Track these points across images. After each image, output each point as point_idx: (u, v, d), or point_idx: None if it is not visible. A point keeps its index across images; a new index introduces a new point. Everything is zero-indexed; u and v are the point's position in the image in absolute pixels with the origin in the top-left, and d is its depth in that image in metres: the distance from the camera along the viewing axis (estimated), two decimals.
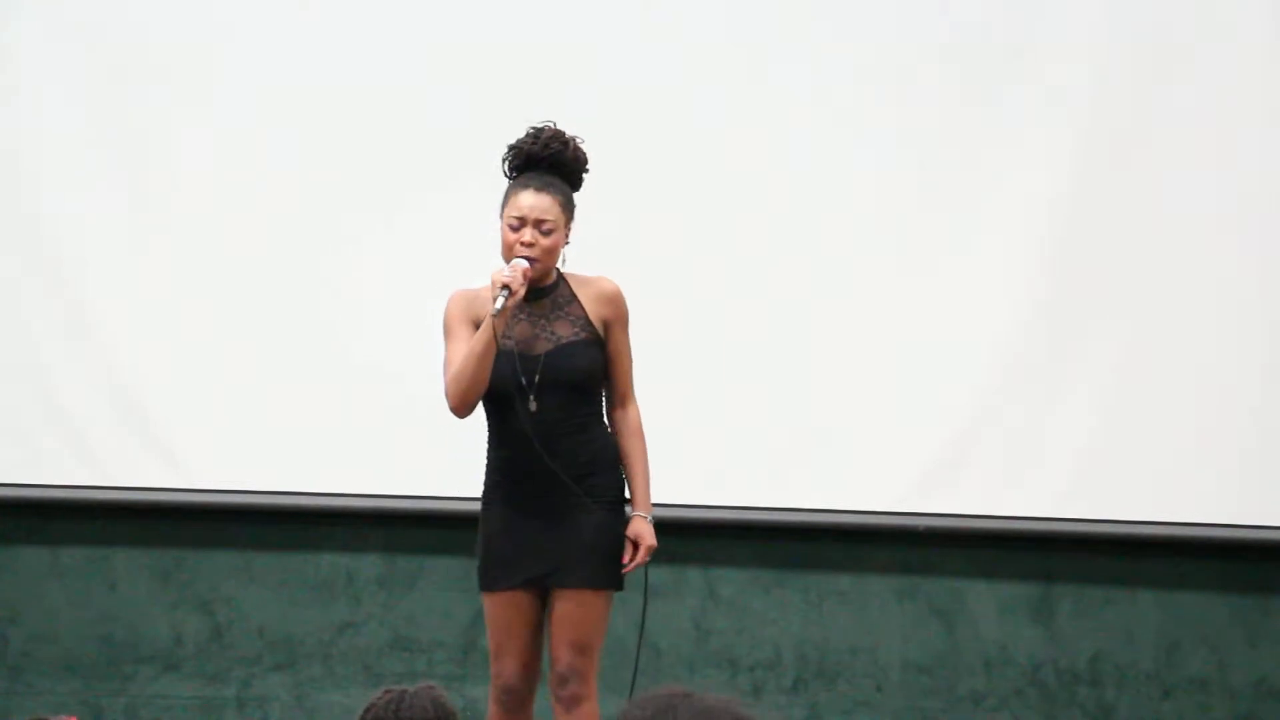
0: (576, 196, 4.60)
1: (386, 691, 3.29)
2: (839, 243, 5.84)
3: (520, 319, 4.52)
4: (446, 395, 4.50)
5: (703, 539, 5.95)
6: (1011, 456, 5.85)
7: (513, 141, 4.59)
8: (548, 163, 4.57)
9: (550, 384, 4.49)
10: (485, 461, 4.59)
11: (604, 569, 4.56)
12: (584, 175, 4.62)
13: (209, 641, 5.97)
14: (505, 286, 4.42)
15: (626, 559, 4.60)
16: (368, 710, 3.22)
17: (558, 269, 4.59)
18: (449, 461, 5.83)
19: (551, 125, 4.59)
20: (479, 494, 5.95)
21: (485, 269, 5.88)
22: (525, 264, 4.47)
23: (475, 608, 5.97)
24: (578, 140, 4.60)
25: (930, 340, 5.84)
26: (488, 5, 5.87)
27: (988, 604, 5.94)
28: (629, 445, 4.60)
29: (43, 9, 5.93)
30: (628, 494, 4.61)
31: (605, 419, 4.60)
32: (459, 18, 5.88)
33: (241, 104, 5.87)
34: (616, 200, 5.88)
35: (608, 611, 4.60)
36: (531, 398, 4.48)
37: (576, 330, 4.55)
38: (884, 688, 5.95)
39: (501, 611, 4.56)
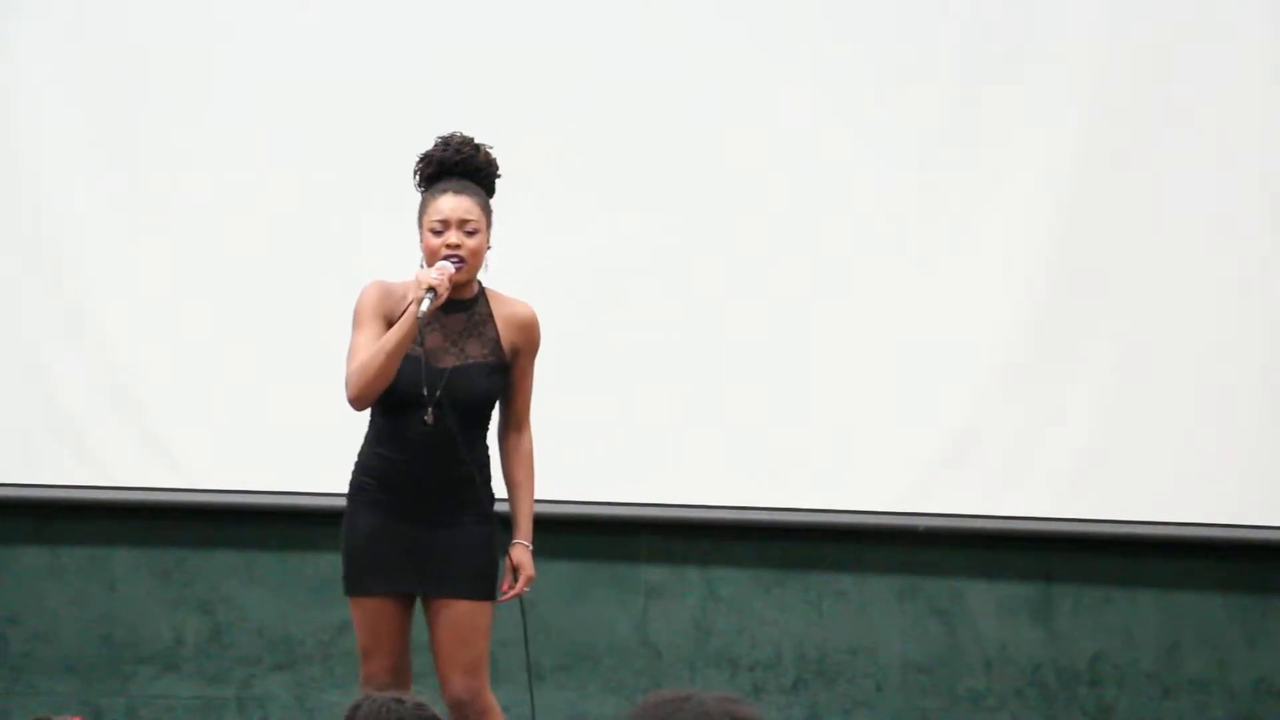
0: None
1: (366, 695, 3.27)
2: (839, 243, 5.84)
3: (434, 328, 4.49)
4: (347, 384, 4.46)
5: (702, 539, 5.95)
6: (1011, 456, 5.85)
7: (422, 152, 4.58)
8: (461, 169, 4.55)
9: (449, 400, 4.45)
10: (357, 457, 4.56)
11: (484, 581, 4.54)
12: (495, 180, 4.60)
13: (209, 641, 5.97)
14: (431, 289, 4.39)
15: (505, 588, 4.58)
16: (355, 708, 3.21)
17: (480, 283, 4.56)
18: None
19: (459, 133, 4.58)
20: None
21: (484, 268, 5.90)
22: (451, 267, 4.44)
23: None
24: (487, 147, 4.59)
25: (930, 340, 5.84)
26: (488, 5, 5.87)
27: (988, 604, 5.94)
28: (520, 473, 4.60)
29: (43, 9, 5.92)
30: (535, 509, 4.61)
31: (486, 439, 4.56)
32: (459, 18, 5.88)
33: (241, 104, 5.87)
34: (616, 200, 5.88)
35: (490, 623, 4.57)
36: (430, 409, 4.45)
37: (486, 353, 4.53)
38: (884, 688, 5.95)
39: (369, 617, 4.54)
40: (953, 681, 5.94)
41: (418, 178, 4.59)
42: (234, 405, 5.84)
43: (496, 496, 4.60)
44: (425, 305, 4.38)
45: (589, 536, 5.96)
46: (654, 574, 5.99)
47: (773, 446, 5.85)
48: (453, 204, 4.50)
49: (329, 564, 5.95)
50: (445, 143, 4.58)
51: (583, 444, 5.87)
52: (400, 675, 4.56)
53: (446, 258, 4.47)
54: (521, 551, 4.58)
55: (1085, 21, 5.80)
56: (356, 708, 3.19)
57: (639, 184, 5.86)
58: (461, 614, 4.51)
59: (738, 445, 5.85)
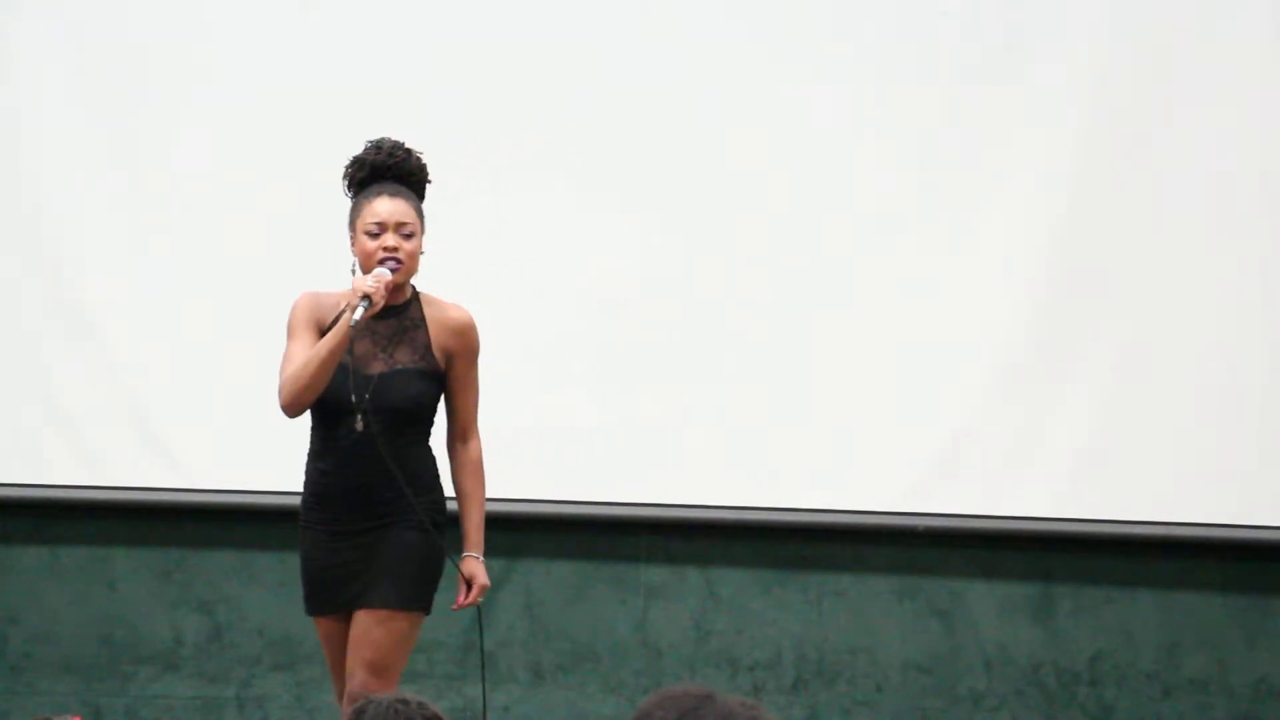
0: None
1: (367, 698, 3.27)
2: (839, 243, 5.84)
3: (364, 335, 4.42)
4: (279, 392, 4.42)
5: (702, 539, 5.95)
6: (1011, 456, 5.85)
7: (353, 155, 4.52)
8: (393, 173, 4.49)
9: (379, 408, 4.39)
10: (304, 475, 4.52)
11: (409, 589, 4.44)
12: (425, 185, 4.53)
13: (209, 641, 5.97)
14: (366, 296, 4.33)
15: (461, 598, 4.52)
16: (360, 712, 3.21)
17: (413, 287, 4.50)
18: (447, 461, 5.83)
19: (389, 138, 4.53)
20: None
21: (484, 269, 5.91)
22: (388, 274, 4.38)
23: (474, 607, 5.97)
24: (419, 152, 4.53)
25: (930, 340, 5.84)
26: (488, 5, 5.87)
27: (988, 604, 5.94)
28: (468, 483, 4.52)
29: (43, 9, 5.92)
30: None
31: (428, 445, 4.49)
32: (459, 18, 5.88)
33: (241, 104, 5.87)
34: (616, 200, 5.88)
35: (412, 634, 4.47)
36: (359, 416, 4.39)
37: (416, 358, 4.45)
38: (884, 688, 5.95)
39: (327, 635, 4.52)
40: (953, 681, 5.94)
41: (347, 181, 4.53)
42: (234, 405, 5.84)
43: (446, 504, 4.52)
44: (359, 313, 4.32)
45: (589, 536, 5.96)
46: (654, 574, 5.99)
47: (773, 447, 5.85)
48: (390, 207, 4.44)
49: None
50: (377, 146, 4.52)
51: (583, 444, 5.87)
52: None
53: (383, 261, 4.40)
54: (473, 563, 4.52)
55: (1085, 21, 5.80)
56: (361, 711, 3.19)
57: (639, 184, 5.86)
58: (377, 619, 4.41)
59: (738, 445, 5.85)
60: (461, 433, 4.53)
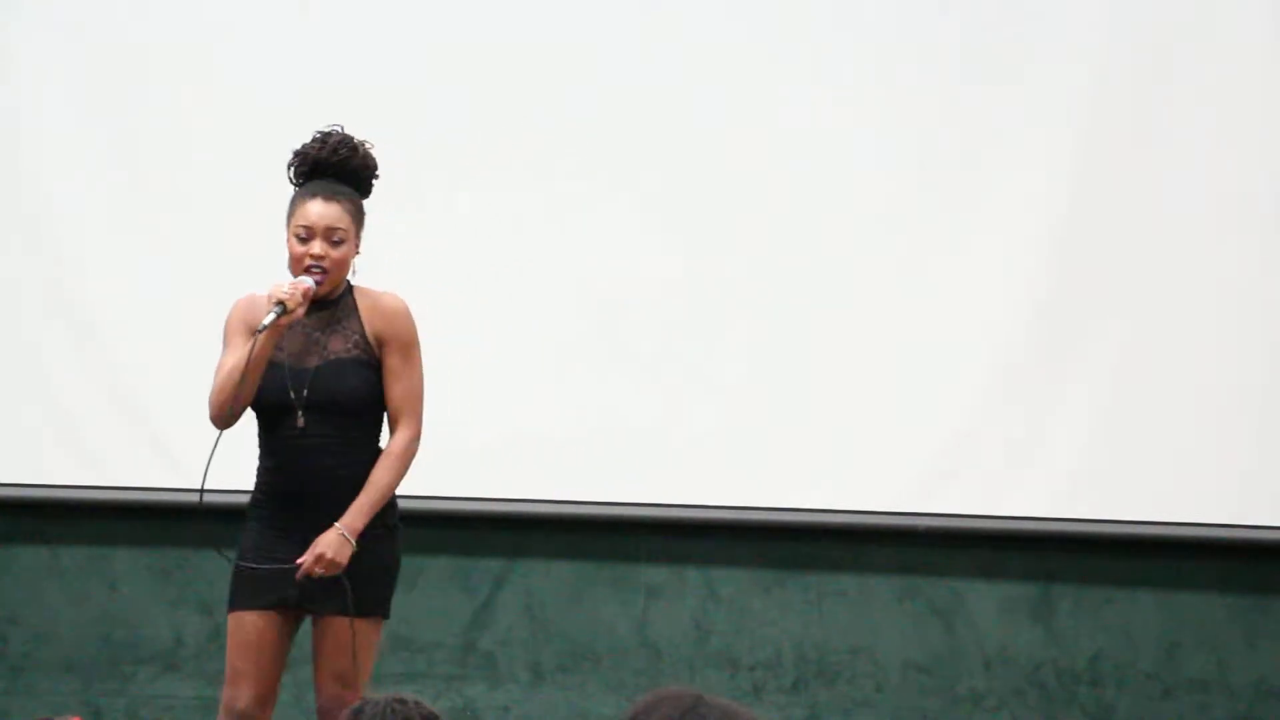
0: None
1: (365, 699, 3.27)
2: (839, 243, 5.84)
3: (295, 331, 4.34)
4: (209, 404, 4.35)
5: (702, 539, 5.95)
6: (1011, 456, 5.85)
7: (298, 147, 4.43)
8: (335, 169, 4.39)
9: (318, 401, 4.32)
10: (255, 471, 4.45)
11: (368, 596, 4.35)
12: (372, 182, 4.44)
13: (209, 642, 5.97)
14: (280, 302, 4.26)
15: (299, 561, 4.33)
16: (358, 713, 3.21)
17: (348, 281, 4.41)
18: (448, 460, 5.84)
19: (339, 129, 4.43)
20: (480, 494, 6.00)
21: (484, 269, 5.91)
22: (309, 283, 4.31)
23: (474, 607, 5.98)
24: (367, 145, 4.43)
25: (930, 340, 5.84)
26: (488, 5, 5.87)
27: (988, 604, 5.94)
28: (376, 468, 4.34)
29: (43, 9, 5.92)
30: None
31: (379, 444, 4.40)
32: (459, 18, 5.88)
33: (241, 103, 5.87)
34: (616, 200, 5.88)
35: (375, 639, 4.40)
36: (299, 413, 4.32)
37: (349, 347, 4.36)
38: (884, 688, 5.95)
39: (245, 633, 4.39)
40: (953, 681, 5.94)
41: (290, 173, 4.44)
42: None
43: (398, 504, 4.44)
44: (269, 319, 4.25)
45: (589, 536, 5.96)
46: (654, 574, 5.99)
47: (773, 447, 5.85)
48: (320, 211, 4.35)
49: None
50: (322, 141, 4.41)
51: (583, 444, 5.87)
52: (264, 706, 4.41)
53: (309, 269, 4.34)
54: (328, 533, 4.30)
55: (1085, 21, 5.80)
56: (359, 712, 3.19)
57: (639, 184, 5.86)
58: (340, 628, 4.35)
59: (738, 445, 5.85)
60: (392, 423, 4.40)
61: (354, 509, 4.33)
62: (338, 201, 4.36)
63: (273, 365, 4.34)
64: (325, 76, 5.86)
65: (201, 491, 4.34)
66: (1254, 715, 5.93)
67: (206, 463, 4.29)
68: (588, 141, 5.86)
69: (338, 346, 4.37)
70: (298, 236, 4.37)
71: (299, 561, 4.33)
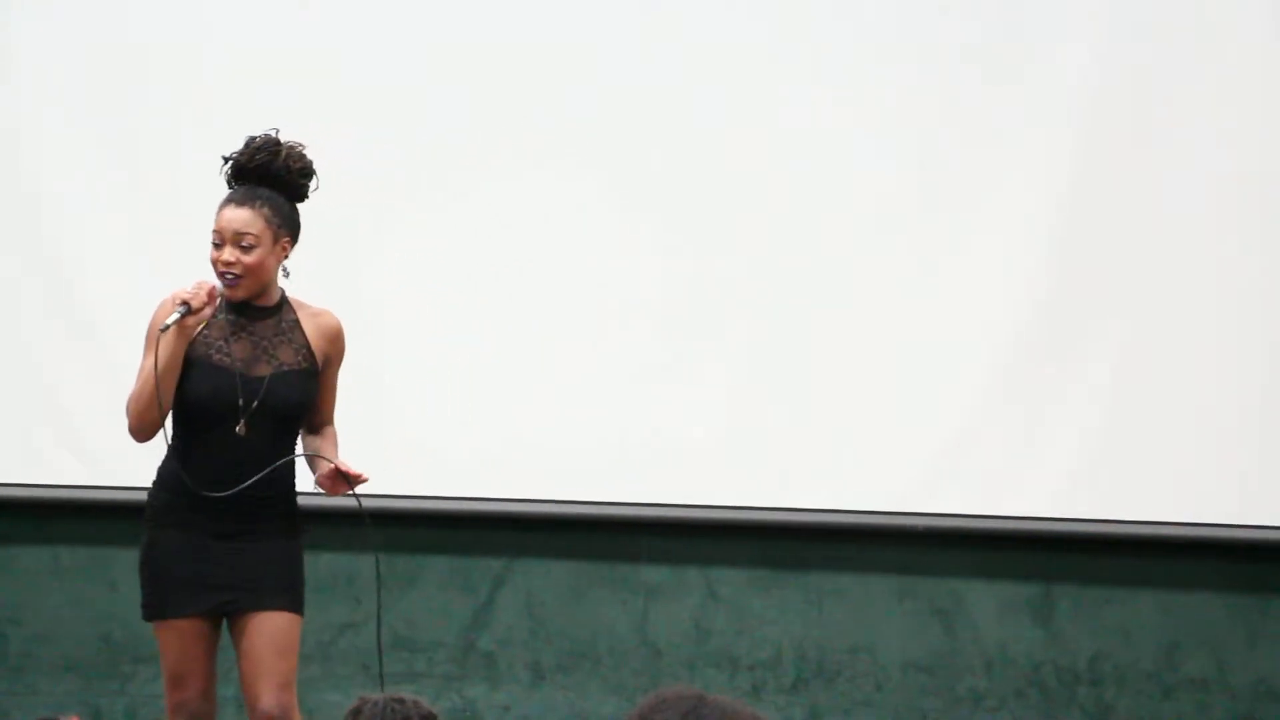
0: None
1: (363, 698, 3.26)
2: (839, 243, 5.84)
3: (241, 337, 4.37)
4: (126, 412, 4.36)
5: (702, 538, 5.95)
6: (1011, 456, 5.84)
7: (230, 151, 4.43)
8: (257, 174, 4.39)
9: (266, 410, 4.35)
10: (156, 475, 4.45)
11: (292, 595, 4.41)
12: (302, 185, 4.41)
13: None
14: (185, 303, 4.27)
15: (347, 471, 4.36)
16: (357, 712, 3.21)
17: (283, 290, 4.44)
18: (448, 461, 5.84)
19: (271, 133, 4.43)
20: (480, 494, 5.99)
21: (484, 269, 5.91)
22: (213, 284, 4.32)
23: (475, 607, 5.98)
24: (298, 148, 4.41)
25: (930, 340, 5.84)
26: (488, 5, 5.87)
27: (988, 604, 5.94)
28: (327, 436, 4.45)
29: (43, 9, 5.92)
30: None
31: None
32: (459, 18, 5.88)
33: (242, 103, 5.86)
34: (615, 200, 5.87)
35: (299, 636, 4.44)
36: (243, 421, 4.33)
37: (299, 359, 4.40)
38: (884, 687, 5.95)
39: (182, 640, 4.41)
40: (953, 681, 5.94)
41: (224, 179, 4.45)
42: None
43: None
44: (172, 319, 4.26)
45: (589, 536, 5.96)
46: (654, 574, 5.99)
47: (773, 446, 5.85)
48: (229, 216, 4.37)
49: (327, 564, 5.95)
50: (247, 143, 4.43)
51: (582, 444, 5.87)
52: (209, 702, 4.46)
53: (221, 274, 4.36)
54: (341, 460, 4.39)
55: (1085, 22, 5.80)
56: (358, 711, 3.19)
57: (639, 184, 5.86)
58: (278, 627, 4.38)
59: (738, 445, 5.85)
60: (319, 425, 4.50)
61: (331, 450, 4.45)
62: (250, 207, 4.37)
63: (220, 370, 4.36)
64: (325, 76, 5.85)
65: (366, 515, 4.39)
66: (1254, 715, 5.93)
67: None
68: (588, 141, 5.86)
69: (287, 357, 4.40)
70: (213, 242, 4.40)
71: (356, 474, 4.36)
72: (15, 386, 5.92)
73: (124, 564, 5.99)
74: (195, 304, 4.28)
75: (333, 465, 4.40)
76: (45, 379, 5.91)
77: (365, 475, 4.39)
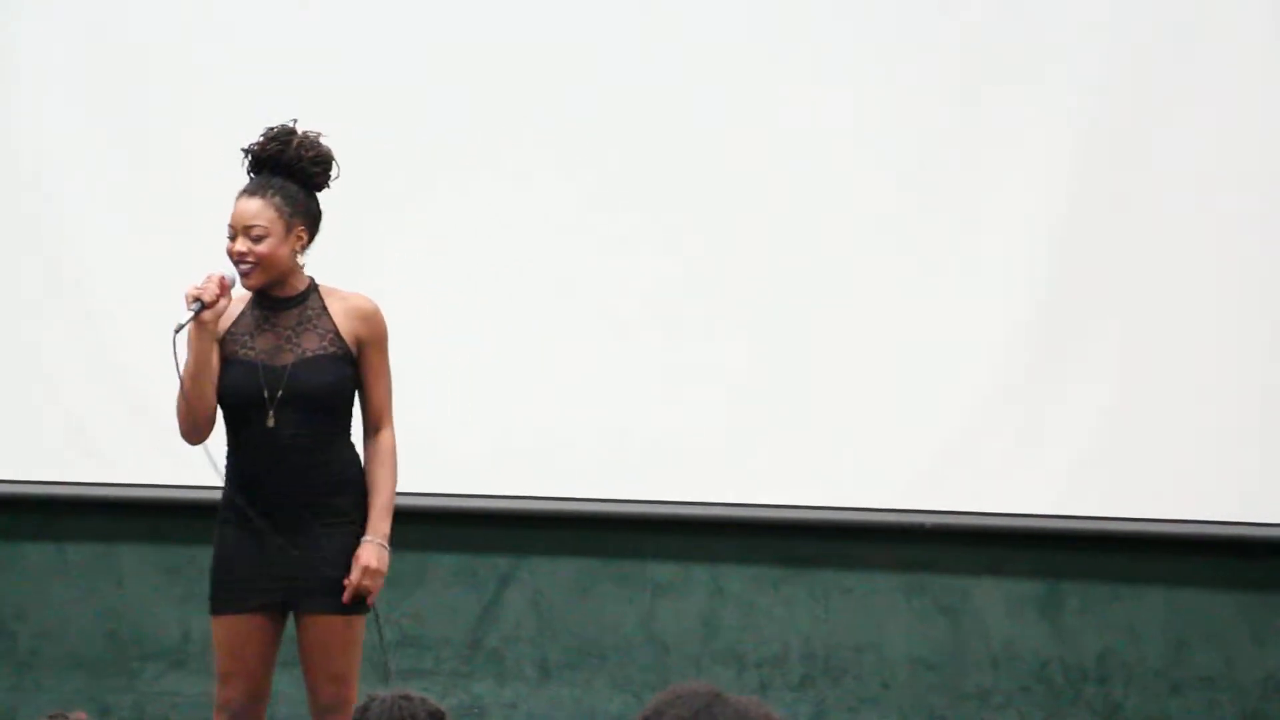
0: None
1: (370, 696, 3.26)
2: (840, 241, 5.83)
3: (264, 329, 4.38)
4: (177, 418, 4.38)
5: (709, 536, 5.95)
6: (1018, 453, 5.84)
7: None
8: (270, 164, 4.39)
9: (293, 398, 4.33)
10: (225, 468, 4.45)
11: (343, 594, 4.38)
12: (317, 174, 4.41)
13: None
14: (197, 299, 4.29)
15: (346, 582, 4.37)
16: (365, 710, 3.21)
17: (312, 279, 4.44)
18: (454, 457, 5.84)
19: (290, 124, 4.42)
20: (487, 491, 5.99)
21: (493, 266, 5.91)
22: (223, 274, 4.33)
23: (482, 604, 5.98)
24: (312, 136, 4.41)
25: (935, 337, 5.84)
26: (488, 5, 5.86)
27: (994, 601, 5.94)
28: (375, 470, 4.40)
29: (44, 8, 5.92)
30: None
31: (350, 439, 4.42)
32: (459, 18, 5.87)
33: (242, 103, 5.86)
34: (616, 200, 5.87)
35: (359, 634, 4.42)
36: (270, 412, 4.33)
37: (324, 344, 4.38)
38: (891, 685, 5.95)
39: (231, 636, 4.39)
40: (960, 679, 5.94)
41: (245, 169, 4.45)
42: None
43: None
44: (188, 316, 4.28)
45: (596, 533, 5.97)
46: (661, 571, 5.99)
47: (778, 444, 5.85)
48: (240, 207, 4.38)
49: None
50: (263, 134, 4.42)
51: (589, 442, 5.87)
52: (257, 702, 4.44)
53: (236, 265, 4.36)
54: (366, 546, 4.37)
55: (1086, 22, 5.79)
56: (365, 709, 3.19)
57: (639, 184, 5.85)
58: (329, 627, 4.37)
59: (743, 443, 5.85)
60: (374, 424, 4.45)
61: (376, 514, 4.40)
62: (261, 197, 4.38)
63: (245, 363, 4.36)
64: (325, 76, 5.85)
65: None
66: (1261, 712, 5.93)
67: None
68: (588, 142, 5.86)
69: (311, 344, 4.39)
70: (228, 234, 4.40)
71: (346, 582, 4.36)
72: (21, 384, 5.93)
73: (130, 560, 6.00)
74: (207, 298, 4.30)
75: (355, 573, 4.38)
76: (51, 376, 5.92)
77: (362, 578, 4.36)
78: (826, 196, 5.81)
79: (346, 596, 4.37)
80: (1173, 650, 5.93)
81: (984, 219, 5.81)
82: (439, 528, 5.93)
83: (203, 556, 5.97)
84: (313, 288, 4.44)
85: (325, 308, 4.41)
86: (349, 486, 4.41)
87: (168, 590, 5.99)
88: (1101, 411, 5.82)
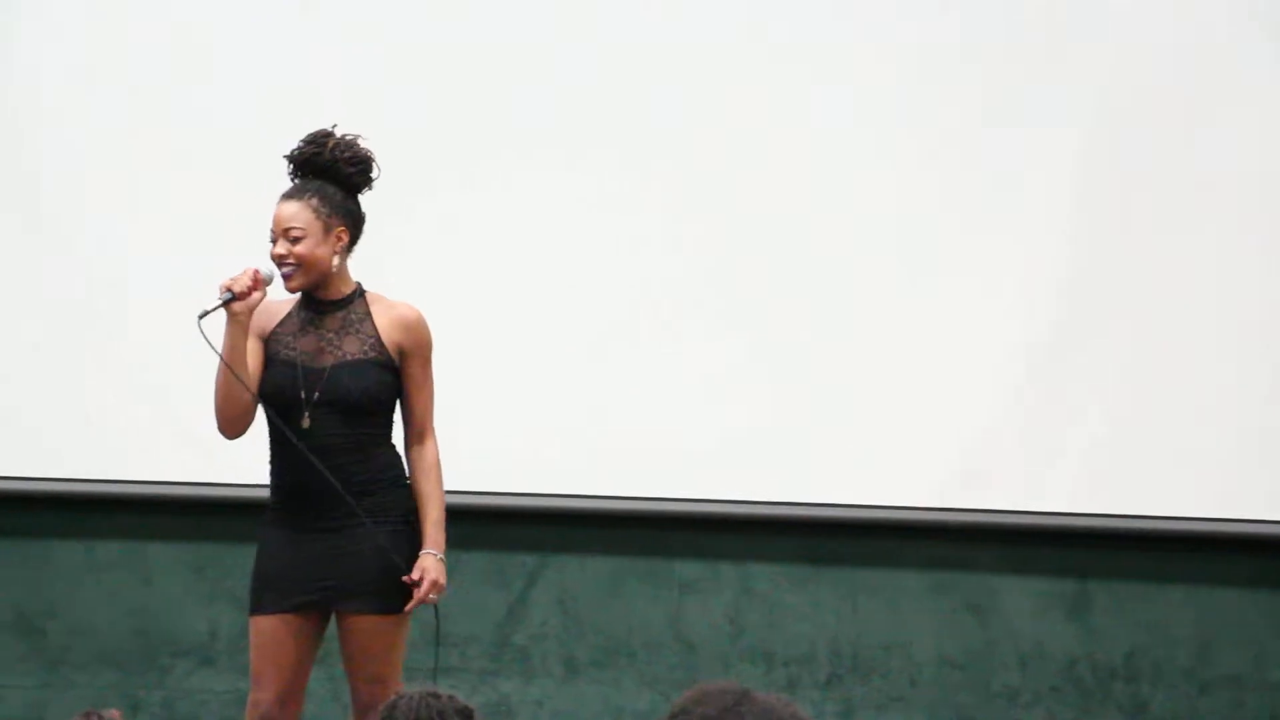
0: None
1: (398, 693, 3.26)
2: (868, 240, 5.83)
3: (308, 331, 4.39)
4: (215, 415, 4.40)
5: (736, 534, 5.95)
6: (1044, 452, 5.84)
7: None
8: (308, 168, 4.41)
9: (330, 401, 4.34)
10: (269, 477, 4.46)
11: (390, 593, 4.37)
12: (355, 175, 4.41)
13: (243, 636, 5.94)
14: (228, 289, 4.31)
15: (414, 589, 4.38)
16: (393, 707, 3.21)
17: (359, 285, 4.45)
18: (481, 455, 5.84)
19: (328, 127, 4.44)
20: (515, 489, 5.99)
21: (512, 263, 5.90)
22: (258, 269, 4.34)
23: (509, 602, 5.99)
24: (349, 138, 4.42)
25: (961, 335, 5.84)
26: (488, 5, 5.86)
27: (1022, 600, 5.93)
28: (422, 484, 4.41)
29: (44, 6, 5.93)
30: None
31: (390, 441, 4.42)
32: (459, 18, 5.86)
33: (242, 103, 5.87)
34: (648, 200, 5.87)
35: (402, 634, 4.42)
36: (306, 414, 4.35)
37: (365, 349, 4.39)
38: (918, 683, 5.95)
39: (267, 636, 4.40)
40: (987, 677, 5.93)
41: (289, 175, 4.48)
42: None
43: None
44: (214, 305, 4.30)
45: (623, 531, 5.97)
46: (688, 569, 5.99)
47: (805, 443, 5.85)
48: (279, 211, 4.39)
49: None
50: (304, 138, 4.44)
51: (617, 439, 5.88)
52: (289, 704, 4.43)
53: (279, 267, 4.38)
54: (426, 559, 4.39)
55: (1099, 29, 5.78)
56: (393, 706, 3.19)
57: (676, 184, 5.85)
58: (366, 628, 4.37)
59: (771, 441, 5.85)
60: (417, 435, 4.45)
61: (433, 529, 4.41)
62: (298, 199, 4.39)
63: (284, 364, 4.38)
64: (325, 76, 5.82)
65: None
66: None
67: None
68: (592, 141, 5.84)
69: (353, 348, 4.40)
70: (269, 239, 4.42)
71: (415, 597, 4.37)
72: (50, 382, 5.94)
73: (158, 558, 6.01)
74: (237, 289, 4.32)
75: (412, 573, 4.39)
76: (79, 375, 5.92)
77: (429, 592, 4.38)
78: (860, 199, 5.81)
79: (410, 607, 4.39)
80: (1201, 649, 5.92)
81: (1009, 215, 5.80)
82: (466, 526, 5.89)
83: (231, 554, 6.00)
84: (359, 293, 4.45)
85: (369, 313, 4.42)
86: (388, 488, 4.41)
87: (196, 588, 6.00)
88: (1129, 410, 5.82)
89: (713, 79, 5.82)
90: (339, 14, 5.87)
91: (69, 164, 5.94)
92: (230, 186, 5.88)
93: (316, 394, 4.35)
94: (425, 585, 4.38)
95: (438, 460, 4.45)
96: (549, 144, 5.84)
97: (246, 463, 5.89)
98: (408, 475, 4.44)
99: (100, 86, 5.90)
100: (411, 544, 4.42)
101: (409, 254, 5.86)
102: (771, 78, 5.81)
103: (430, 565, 4.40)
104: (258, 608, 4.43)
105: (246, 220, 5.85)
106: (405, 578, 4.37)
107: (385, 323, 4.42)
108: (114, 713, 3.14)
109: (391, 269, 5.83)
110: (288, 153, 4.45)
